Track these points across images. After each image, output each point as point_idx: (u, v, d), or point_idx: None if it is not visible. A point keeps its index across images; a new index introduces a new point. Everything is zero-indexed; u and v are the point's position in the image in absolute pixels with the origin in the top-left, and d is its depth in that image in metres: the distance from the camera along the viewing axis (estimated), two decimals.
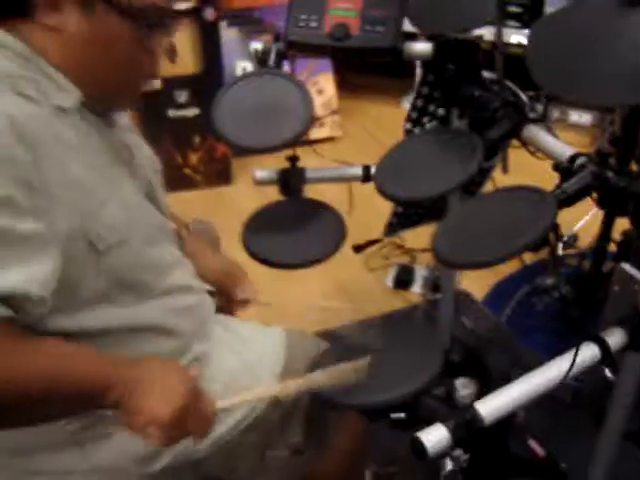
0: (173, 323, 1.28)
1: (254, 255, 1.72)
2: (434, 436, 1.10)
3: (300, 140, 1.71)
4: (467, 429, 1.12)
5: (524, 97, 1.67)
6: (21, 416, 1.06)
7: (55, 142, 1.07)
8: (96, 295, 1.14)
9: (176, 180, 3.51)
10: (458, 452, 1.24)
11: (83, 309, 1.14)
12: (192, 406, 1.08)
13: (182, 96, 3.41)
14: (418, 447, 1.10)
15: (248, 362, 1.40)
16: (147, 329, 1.24)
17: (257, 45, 2.16)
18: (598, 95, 1.29)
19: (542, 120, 1.66)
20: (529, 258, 2.84)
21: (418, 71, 3.88)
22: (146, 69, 1.24)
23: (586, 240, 2.71)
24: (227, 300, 1.60)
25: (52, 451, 1.22)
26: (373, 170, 1.81)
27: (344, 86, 4.13)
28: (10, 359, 0.98)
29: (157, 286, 1.25)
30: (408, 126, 1.99)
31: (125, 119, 1.35)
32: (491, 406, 1.16)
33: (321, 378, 1.22)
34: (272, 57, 1.80)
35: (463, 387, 1.63)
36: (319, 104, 3.92)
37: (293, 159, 1.84)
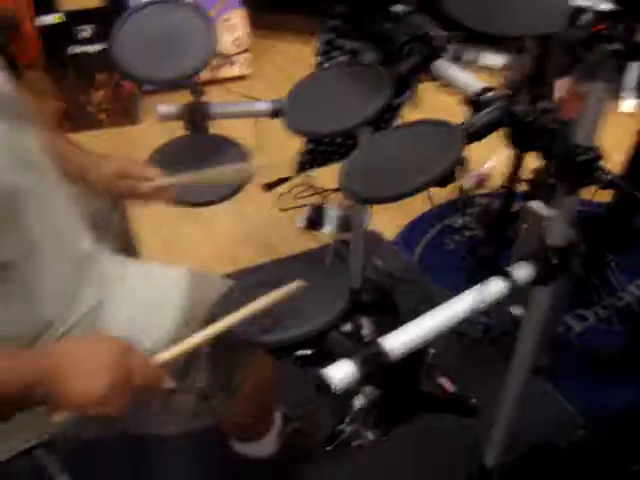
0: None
1: None
2: (340, 371, 1.07)
3: (211, 74, 1.64)
4: (373, 364, 1.09)
5: (434, 31, 1.64)
6: None
7: None
8: None
9: (80, 119, 3.41)
10: (369, 389, 1.23)
11: None
12: (125, 371, 1.02)
13: (85, 31, 3.27)
14: (324, 383, 1.08)
15: (148, 304, 1.34)
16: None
17: None
18: (512, 26, 1.27)
19: (455, 61, 1.64)
20: (440, 198, 2.85)
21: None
22: None
23: (496, 180, 2.73)
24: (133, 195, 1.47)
25: None
26: (281, 104, 1.76)
27: (257, 24, 4.04)
28: None
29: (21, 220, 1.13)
30: (318, 59, 1.94)
31: None
32: (396, 340, 1.14)
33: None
34: None
35: (371, 324, 1.63)
36: (230, 41, 3.83)
37: (197, 92, 1.76)
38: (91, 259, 1.31)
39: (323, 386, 1.08)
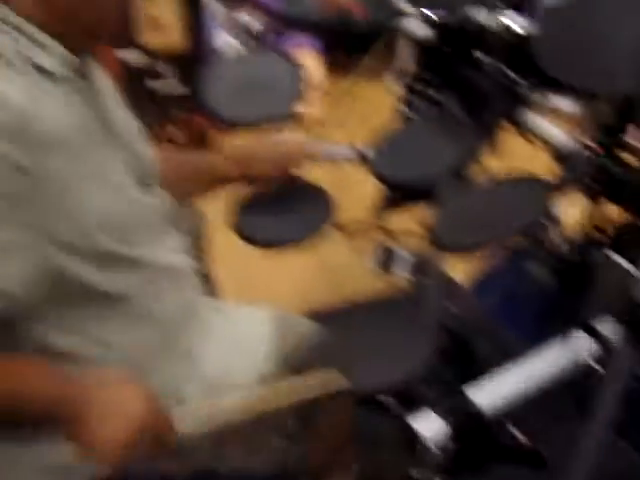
0: (155, 307, 1.23)
1: (239, 233, 1.69)
2: (427, 423, 1.08)
3: (289, 117, 1.68)
4: (461, 417, 1.10)
5: (519, 81, 1.65)
6: None
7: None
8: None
9: None
10: (442, 438, 1.23)
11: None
12: (149, 427, 1.02)
13: (165, 69, 3.35)
14: (408, 433, 1.08)
15: (240, 347, 1.35)
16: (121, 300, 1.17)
17: (246, 19, 2.11)
18: (608, 83, 1.27)
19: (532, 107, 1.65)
20: (515, 245, 2.82)
21: (402, 52, 3.85)
22: None
23: (574, 230, 2.70)
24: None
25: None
26: (364, 151, 1.79)
27: (333, 67, 4.09)
28: None
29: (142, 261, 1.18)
30: (402, 109, 1.96)
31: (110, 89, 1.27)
32: (485, 394, 1.14)
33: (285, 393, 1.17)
34: (261, 32, 1.76)
35: (449, 373, 1.62)
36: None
37: None
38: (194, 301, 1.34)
39: (408, 437, 1.09)
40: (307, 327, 1.45)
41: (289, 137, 1.62)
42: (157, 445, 1.04)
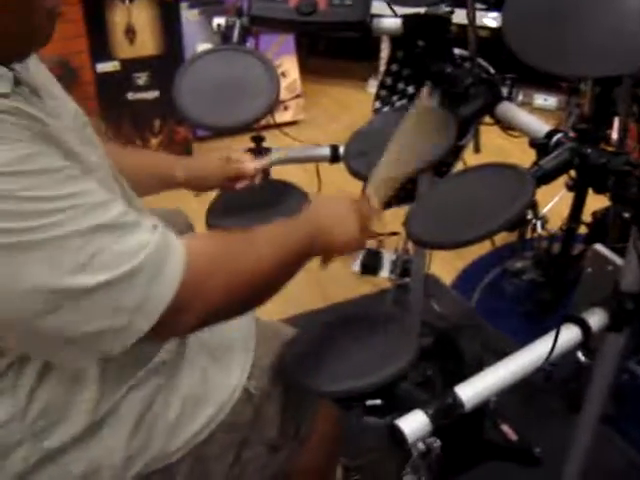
0: None
1: None
2: (413, 423, 1.04)
3: (265, 119, 1.64)
4: (447, 415, 1.07)
5: (497, 75, 1.63)
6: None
7: None
8: None
9: None
10: (431, 439, 1.20)
11: None
12: (363, 215, 1.32)
13: (142, 78, 3.32)
14: (397, 435, 1.05)
15: (218, 358, 1.31)
16: None
17: (219, 20, 2.03)
18: (583, 66, 1.24)
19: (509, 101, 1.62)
20: (498, 241, 2.81)
21: (384, 53, 3.85)
22: None
23: (555, 223, 2.69)
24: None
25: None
26: (341, 150, 1.76)
27: (308, 69, 4.08)
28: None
29: None
30: (377, 105, 1.93)
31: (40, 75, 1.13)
32: (471, 391, 1.11)
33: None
34: (236, 33, 1.73)
35: (434, 371, 1.60)
36: (283, 87, 3.85)
37: (258, 139, 1.77)
38: None
39: (395, 438, 1.06)
40: (289, 333, 1.41)
41: (241, 157, 1.56)
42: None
